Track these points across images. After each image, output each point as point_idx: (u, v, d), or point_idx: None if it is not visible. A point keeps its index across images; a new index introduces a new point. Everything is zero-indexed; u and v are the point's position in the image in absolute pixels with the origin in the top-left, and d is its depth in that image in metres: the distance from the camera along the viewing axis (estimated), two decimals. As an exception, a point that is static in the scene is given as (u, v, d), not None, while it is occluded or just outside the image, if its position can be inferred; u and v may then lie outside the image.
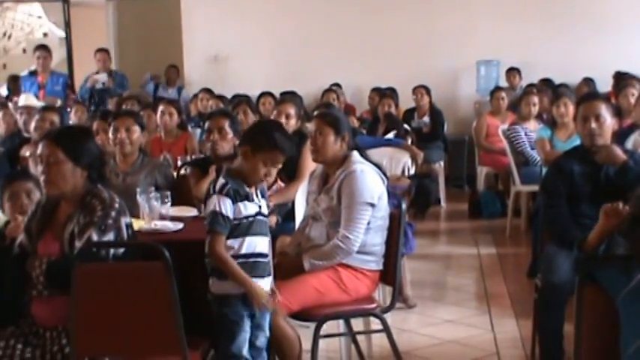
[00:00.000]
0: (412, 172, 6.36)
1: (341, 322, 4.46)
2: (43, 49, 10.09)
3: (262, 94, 9.16)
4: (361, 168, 4.07)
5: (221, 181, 3.55)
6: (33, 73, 10.07)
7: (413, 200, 7.22)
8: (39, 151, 3.44)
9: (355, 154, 4.15)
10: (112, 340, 3.28)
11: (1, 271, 3.51)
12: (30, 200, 3.77)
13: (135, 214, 4.09)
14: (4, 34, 13.12)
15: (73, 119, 7.73)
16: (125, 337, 3.26)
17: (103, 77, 10.26)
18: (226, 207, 3.46)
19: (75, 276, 3.17)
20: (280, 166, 3.61)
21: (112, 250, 3.31)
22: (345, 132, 4.14)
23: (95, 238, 3.27)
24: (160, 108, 7.06)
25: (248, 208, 3.50)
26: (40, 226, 3.45)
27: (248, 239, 3.49)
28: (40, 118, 6.07)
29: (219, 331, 3.51)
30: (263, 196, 3.63)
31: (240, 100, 7.00)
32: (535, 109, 8.38)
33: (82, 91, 10.48)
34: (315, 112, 4.80)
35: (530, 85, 9.85)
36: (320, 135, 4.15)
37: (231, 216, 3.46)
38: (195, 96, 10.09)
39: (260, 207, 3.55)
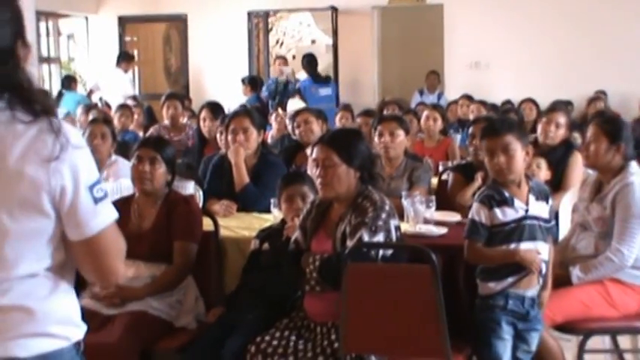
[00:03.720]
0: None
1: (605, 338, 4.28)
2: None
3: (524, 101, 8.99)
4: (639, 180, 3.88)
5: (482, 188, 3.54)
6: None
7: None
8: (314, 154, 3.56)
9: (633, 164, 3.94)
10: (378, 339, 3.32)
11: (277, 266, 3.70)
12: (305, 204, 3.88)
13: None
14: (277, 42, 13.81)
15: (337, 124, 7.96)
16: (391, 337, 3.29)
17: (288, 69, 10.95)
18: (480, 214, 3.45)
19: (345, 274, 3.25)
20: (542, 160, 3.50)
21: (380, 251, 3.37)
22: (622, 142, 3.94)
23: (366, 238, 3.33)
24: (425, 113, 7.13)
25: (507, 214, 3.43)
26: (314, 224, 3.57)
27: (513, 246, 3.44)
28: (297, 123, 6.27)
29: (479, 337, 3.49)
30: (544, 199, 3.53)
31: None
32: None
33: (269, 82, 11.32)
34: (593, 119, 4.61)
35: None
36: (593, 142, 3.99)
37: (485, 222, 3.44)
38: (455, 102, 10.09)
39: (527, 211, 3.47)
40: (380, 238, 3.36)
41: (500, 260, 3.44)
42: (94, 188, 1.87)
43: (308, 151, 5.77)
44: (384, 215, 3.39)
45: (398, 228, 3.49)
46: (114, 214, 1.92)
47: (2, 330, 1.84)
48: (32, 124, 1.80)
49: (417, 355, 3.38)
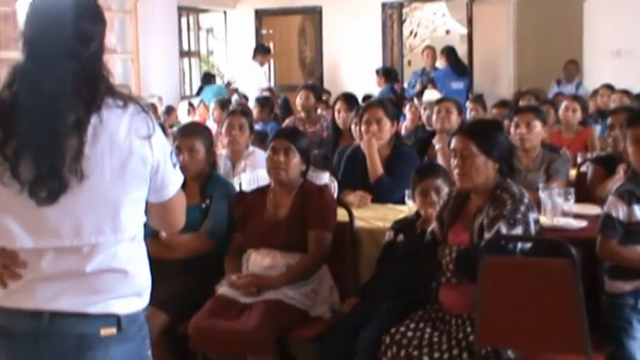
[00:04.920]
0: None
1: None
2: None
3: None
4: None
5: (621, 181, 3.41)
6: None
7: None
8: (452, 145, 3.50)
9: None
10: (514, 333, 3.25)
11: (412, 258, 3.67)
12: (439, 197, 3.85)
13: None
14: (411, 33, 13.74)
15: (468, 116, 7.84)
16: (528, 331, 3.21)
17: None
18: (617, 209, 3.33)
19: (482, 266, 3.19)
20: None
21: (519, 244, 3.29)
22: None
23: (504, 231, 3.26)
24: (564, 103, 6.91)
25: None
26: (451, 216, 3.52)
27: None
28: (438, 109, 6.22)
29: (611, 335, 3.38)
30: None
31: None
32: None
33: (416, 72, 11.49)
34: None
35: None
36: None
37: (622, 219, 3.32)
38: (595, 92, 9.75)
39: None
40: (518, 231, 3.28)
41: (638, 264, 3.31)
42: (172, 154, 2.20)
43: (434, 141, 5.76)
44: (522, 208, 3.31)
45: (537, 221, 3.41)
46: (182, 175, 2.26)
47: (106, 290, 2.12)
48: (125, 107, 2.10)
49: (556, 351, 3.29)
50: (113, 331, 2.11)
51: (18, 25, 9.68)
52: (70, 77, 2.04)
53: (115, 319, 2.11)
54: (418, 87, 11.16)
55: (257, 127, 7.52)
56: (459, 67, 11.28)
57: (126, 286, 2.14)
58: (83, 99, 2.05)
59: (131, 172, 2.08)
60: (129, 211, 2.11)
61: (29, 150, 2.02)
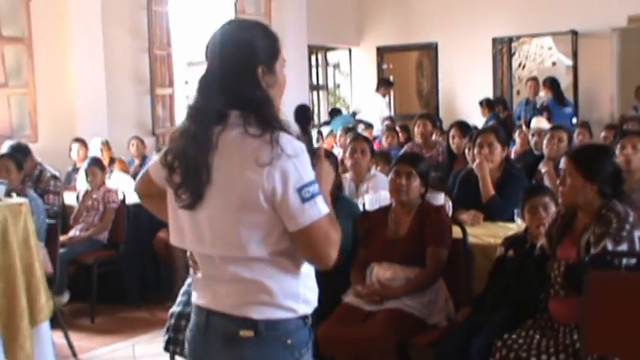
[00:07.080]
0: None
1: None
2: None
3: None
4: None
5: None
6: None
7: None
8: (561, 164, 3.45)
9: None
10: (620, 342, 3.14)
11: (522, 271, 3.60)
12: (547, 213, 3.77)
13: None
14: (519, 65, 13.47)
15: (575, 141, 7.61)
16: (634, 341, 3.09)
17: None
18: None
19: (588, 280, 3.11)
20: None
21: (624, 260, 3.18)
22: None
23: (610, 247, 3.17)
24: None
25: None
26: (559, 232, 3.44)
27: None
28: (550, 136, 6.09)
29: None
30: None
31: None
32: None
33: (521, 101, 11.54)
34: None
35: None
36: None
37: None
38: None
39: None
40: (624, 247, 3.18)
41: None
42: (303, 190, 2.01)
43: (540, 166, 5.63)
44: (627, 226, 3.21)
45: (642, 238, 3.27)
46: (322, 211, 2.05)
47: (242, 295, 2.10)
48: (258, 137, 2.00)
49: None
50: (250, 333, 2.09)
51: (172, 67, 10.05)
52: (224, 104, 2.05)
53: (252, 323, 2.09)
54: (522, 118, 10.97)
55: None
56: (561, 97, 11.02)
57: (262, 296, 2.09)
58: (225, 123, 2.04)
59: (241, 197, 2.01)
60: (245, 232, 2.04)
61: (180, 160, 2.08)
